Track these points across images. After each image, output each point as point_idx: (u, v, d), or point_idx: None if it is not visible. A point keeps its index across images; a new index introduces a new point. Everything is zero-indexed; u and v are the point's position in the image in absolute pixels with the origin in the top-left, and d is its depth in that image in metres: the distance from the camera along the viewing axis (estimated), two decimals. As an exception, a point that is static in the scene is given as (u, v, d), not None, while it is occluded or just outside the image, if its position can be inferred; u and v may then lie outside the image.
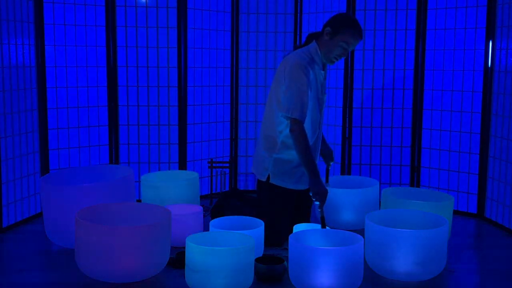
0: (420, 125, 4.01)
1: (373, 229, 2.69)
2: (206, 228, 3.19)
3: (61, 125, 3.83)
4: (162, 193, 3.48)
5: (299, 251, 2.47)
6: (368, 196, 3.39)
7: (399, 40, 3.99)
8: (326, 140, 3.86)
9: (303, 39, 4.12)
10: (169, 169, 4.06)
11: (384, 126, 4.07)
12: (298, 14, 4.22)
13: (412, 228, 2.77)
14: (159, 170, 4.06)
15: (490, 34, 3.65)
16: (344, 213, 3.37)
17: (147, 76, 4.01)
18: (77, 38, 3.84)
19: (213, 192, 4.14)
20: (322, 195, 2.88)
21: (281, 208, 3.12)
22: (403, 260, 2.62)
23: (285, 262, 2.71)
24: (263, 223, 2.94)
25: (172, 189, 3.49)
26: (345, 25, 2.96)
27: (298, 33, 4.23)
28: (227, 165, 4.17)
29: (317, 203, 2.89)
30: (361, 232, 2.84)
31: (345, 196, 3.37)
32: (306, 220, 3.24)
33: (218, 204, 3.54)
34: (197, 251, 2.45)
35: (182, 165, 4.08)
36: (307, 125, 3.00)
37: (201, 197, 4.01)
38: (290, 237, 2.56)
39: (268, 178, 3.09)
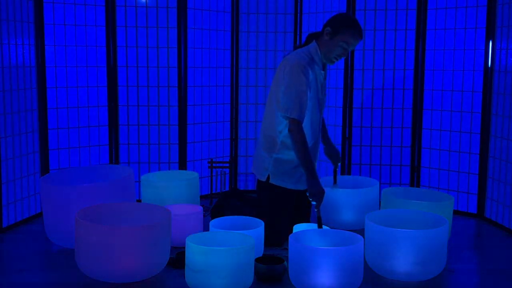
0: (420, 125, 4.01)
1: (373, 229, 2.69)
2: (206, 228, 3.19)
3: (61, 125, 3.83)
4: (162, 193, 3.48)
5: (299, 251, 2.47)
6: (368, 196, 3.39)
7: (399, 40, 3.99)
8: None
9: (303, 39, 4.12)
10: (169, 169, 4.06)
11: (384, 126, 4.07)
12: (298, 14, 4.22)
13: (412, 228, 2.77)
14: (159, 170, 4.06)
15: (490, 34, 3.65)
16: (344, 213, 3.37)
17: (147, 76, 4.01)
18: (77, 38, 3.84)
19: (213, 192, 4.14)
20: (319, 195, 2.88)
21: (281, 208, 3.12)
22: (403, 260, 2.62)
23: (285, 262, 2.71)
24: (263, 223, 2.94)
25: (172, 189, 3.49)
26: (345, 25, 2.96)
27: (298, 33, 4.23)
28: (227, 165, 4.17)
29: (314, 203, 2.89)
30: (361, 232, 2.84)
31: (345, 196, 3.37)
32: (306, 220, 3.24)
33: (218, 204, 3.54)
34: (197, 251, 2.45)
35: (182, 165, 4.08)
36: (306, 126, 3.00)
37: (201, 197, 4.01)
38: (290, 237, 2.56)
39: (268, 178, 3.09)
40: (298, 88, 2.90)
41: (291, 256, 2.52)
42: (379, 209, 3.43)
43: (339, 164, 3.35)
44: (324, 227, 2.94)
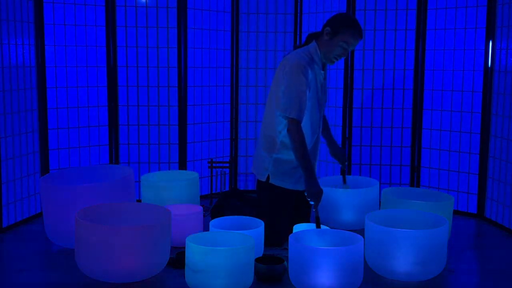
0: (420, 125, 4.01)
1: (373, 229, 2.69)
2: (206, 228, 3.19)
3: (61, 125, 3.83)
4: (162, 193, 3.48)
5: (299, 251, 2.47)
6: (368, 196, 3.39)
7: (399, 40, 3.99)
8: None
9: (303, 39, 4.12)
10: (169, 169, 4.06)
11: (384, 126, 4.07)
12: (298, 14, 4.22)
13: (412, 228, 2.77)
14: (159, 170, 4.06)
15: (490, 34, 3.65)
16: (344, 213, 3.37)
17: (147, 76, 4.01)
18: (77, 38, 3.84)
19: (213, 192, 4.14)
20: (317, 196, 2.88)
21: (281, 208, 3.12)
22: (403, 260, 2.62)
23: (285, 262, 2.71)
24: (263, 223, 2.94)
25: (172, 189, 3.49)
26: (345, 25, 2.96)
27: (298, 33, 4.23)
28: (227, 165, 4.17)
29: (312, 203, 2.89)
30: (361, 232, 2.84)
31: (345, 196, 3.37)
32: (306, 220, 3.24)
33: (218, 204, 3.54)
34: (197, 251, 2.45)
35: (182, 165, 4.08)
36: (306, 126, 3.00)
37: (201, 197, 4.01)
38: (290, 237, 2.56)
39: (268, 178, 3.09)
40: (297, 88, 2.90)
41: (291, 256, 2.52)
42: (379, 209, 3.43)
43: (346, 163, 3.35)
44: (323, 227, 2.94)
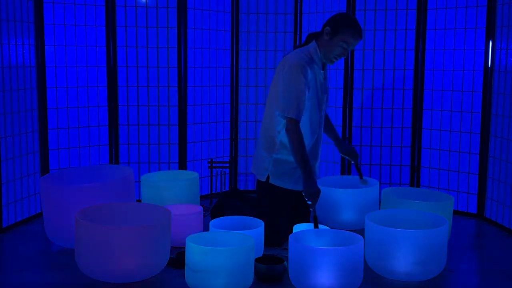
0: (420, 125, 4.01)
1: (373, 229, 2.69)
2: (206, 228, 3.19)
3: (61, 125, 3.83)
4: (162, 193, 3.48)
5: (299, 251, 2.47)
6: (368, 196, 3.39)
7: (399, 40, 3.99)
8: (327, 140, 3.87)
9: (303, 39, 4.12)
10: (169, 169, 4.06)
11: (384, 126, 4.07)
12: (298, 14, 4.22)
13: (412, 228, 2.77)
14: (159, 170, 4.06)
15: (490, 34, 3.65)
16: (344, 213, 3.37)
17: (147, 76, 4.01)
18: (77, 38, 3.84)
19: (213, 192, 4.14)
20: (315, 195, 2.88)
21: (280, 208, 3.12)
22: (403, 260, 2.62)
23: (285, 262, 2.71)
24: (263, 223, 2.94)
25: (172, 189, 3.49)
26: (345, 25, 2.96)
27: (298, 33, 4.23)
28: (227, 165, 4.17)
29: (310, 202, 2.89)
30: (361, 232, 2.84)
31: (345, 196, 3.37)
32: (305, 220, 3.24)
33: (218, 204, 3.54)
34: (197, 251, 2.45)
35: (182, 165, 4.08)
36: (305, 126, 3.00)
37: (201, 197, 4.01)
38: (290, 237, 2.56)
39: (268, 178, 3.09)
40: (296, 88, 2.90)
41: (291, 256, 2.52)
42: (379, 209, 3.43)
43: (359, 159, 3.34)
44: (323, 227, 2.94)
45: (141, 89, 4.02)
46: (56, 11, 3.74)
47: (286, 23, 4.25)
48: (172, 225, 2.91)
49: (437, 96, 3.94)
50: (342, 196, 3.37)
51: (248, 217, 3.03)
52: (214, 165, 4.11)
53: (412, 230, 2.63)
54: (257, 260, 2.69)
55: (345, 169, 4.06)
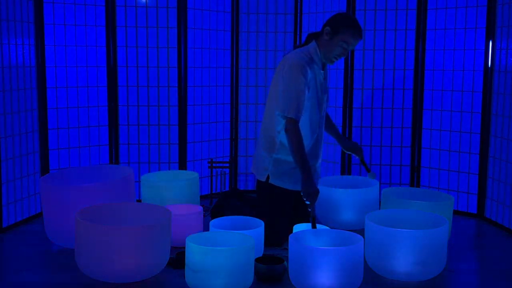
0: (420, 125, 4.01)
1: (373, 229, 2.69)
2: (206, 228, 3.19)
3: (61, 125, 3.83)
4: (162, 193, 3.48)
5: (299, 251, 2.47)
6: (368, 196, 3.39)
7: (399, 40, 3.99)
8: (327, 140, 3.87)
9: (303, 39, 4.12)
10: (169, 169, 4.06)
11: (384, 126, 4.07)
12: (298, 14, 4.22)
13: (412, 228, 2.77)
14: (159, 170, 4.06)
15: (490, 34, 3.65)
16: (344, 213, 3.37)
17: (147, 76, 4.01)
18: (77, 38, 3.84)
19: (213, 192, 4.14)
20: (313, 195, 2.87)
21: (280, 208, 3.12)
22: (403, 260, 2.62)
23: (285, 262, 2.71)
24: (263, 223, 2.94)
25: (172, 189, 3.49)
26: (345, 24, 2.95)
27: (298, 33, 4.23)
28: (227, 165, 4.17)
29: (308, 202, 2.89)
30: (361, 232, 2.84)
31: (345, 196, 3.37)
32: (305, 220, 3.23)
33: (218, 204, 3.54)
34: (197, 251, 2.45)
35: (182, 165, 4.08)
36: (305, 125, 2.99)
37: (201, 197, 4.01)
38: (290, 237, 2.56)
39: (268, 178, 3.09)
40: (296, 88, 2.90)
41: (291, 256, 2.52)
42: (379, 209, 3.43)
43: (363, 154, 3.34)
44: (323, 226, 2.94)
45: (141, 89, 4.02)
46: (56, 11, 3.74)
47: (286, 23, 4.25)
48: (172, 225, 2.91)
49: (437, 96, 3.94)
50: (342, 196, 3.37)
51: (248, 217, 3.03)
52: (214, 165, 4.11)
53: (412, 230, 2.63)
54: (257, 260, 2.69)
55: (345, 169, 4.06)
